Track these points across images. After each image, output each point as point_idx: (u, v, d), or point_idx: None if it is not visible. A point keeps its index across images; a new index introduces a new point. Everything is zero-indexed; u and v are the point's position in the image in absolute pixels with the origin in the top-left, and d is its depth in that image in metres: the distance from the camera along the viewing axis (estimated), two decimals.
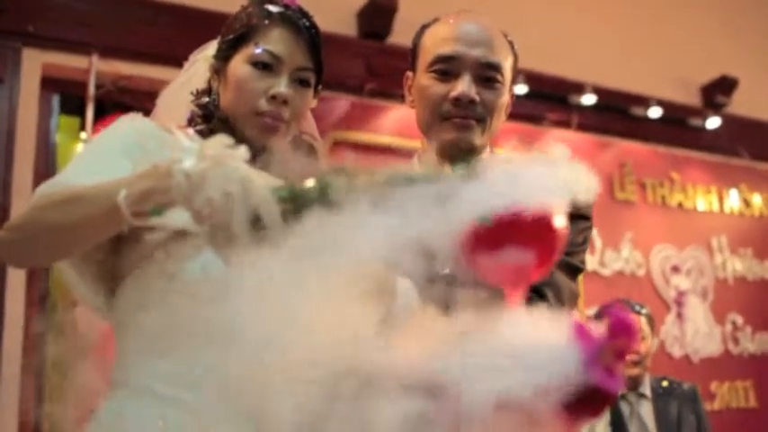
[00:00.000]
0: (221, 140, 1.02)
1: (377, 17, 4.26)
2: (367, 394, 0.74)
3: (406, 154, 4.21)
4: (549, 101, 4.71)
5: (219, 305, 1.24)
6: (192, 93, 1.50)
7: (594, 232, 3.95)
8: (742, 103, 5.57)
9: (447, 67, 1.45)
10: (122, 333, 1.35)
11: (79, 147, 4.09)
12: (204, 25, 3.64)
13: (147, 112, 3.22)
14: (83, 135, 3.73)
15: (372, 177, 0.84)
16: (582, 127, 4.91)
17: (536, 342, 0.64)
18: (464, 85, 1.43)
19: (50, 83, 3.62)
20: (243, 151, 1.01)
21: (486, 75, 1.45)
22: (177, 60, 1.66)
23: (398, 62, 4.10)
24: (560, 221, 0.76)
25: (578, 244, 1.41)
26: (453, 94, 1.43)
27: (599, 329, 0.65)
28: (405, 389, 0.71)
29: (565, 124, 4.85)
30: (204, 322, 1.27)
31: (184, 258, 1.27)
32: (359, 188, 0.84)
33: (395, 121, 4.18)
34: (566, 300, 1.32)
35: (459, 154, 1.44)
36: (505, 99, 1.50)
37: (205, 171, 0.97)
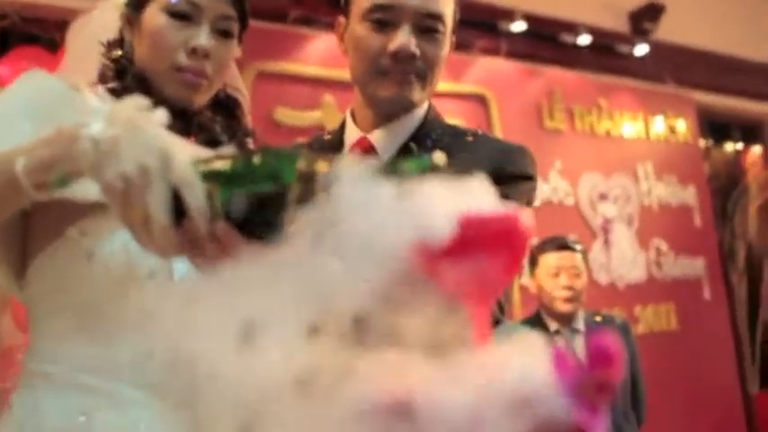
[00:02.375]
0: (135, 102, 0.86)
1: None
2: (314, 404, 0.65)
3: (333, 85, 4.08)
4: (477, 28, 4.60)
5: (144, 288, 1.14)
6: (102, 44, 1.34)
7: None
8: (669, 30, 5.56)
9: (385, 17, 1.33)
10: (37, 316, 1.22)
11: None
12: None
13: (55, 43, 3.03)
14: None
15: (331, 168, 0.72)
16: (511, 54, 4.83)
17: (515, 379, 0.56)
18: (403, 38, 1.31)
19: None
20: (161, 115, 0.87)
21: (427, 25, 1.34)
22: None
23: None
24: (528, 222, 0.67)
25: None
26: (392, 47, 1.31)
27: (578, 359, 0.58)
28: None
29: (494, 52, 4.76)
30: (127, 304, 1.16)
31: (102, 235, 1.14)
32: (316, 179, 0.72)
33: (321, 51, 4.02)
34: None
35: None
36: (446, 50, 1.40)
37: (117, 138, 0.81)
